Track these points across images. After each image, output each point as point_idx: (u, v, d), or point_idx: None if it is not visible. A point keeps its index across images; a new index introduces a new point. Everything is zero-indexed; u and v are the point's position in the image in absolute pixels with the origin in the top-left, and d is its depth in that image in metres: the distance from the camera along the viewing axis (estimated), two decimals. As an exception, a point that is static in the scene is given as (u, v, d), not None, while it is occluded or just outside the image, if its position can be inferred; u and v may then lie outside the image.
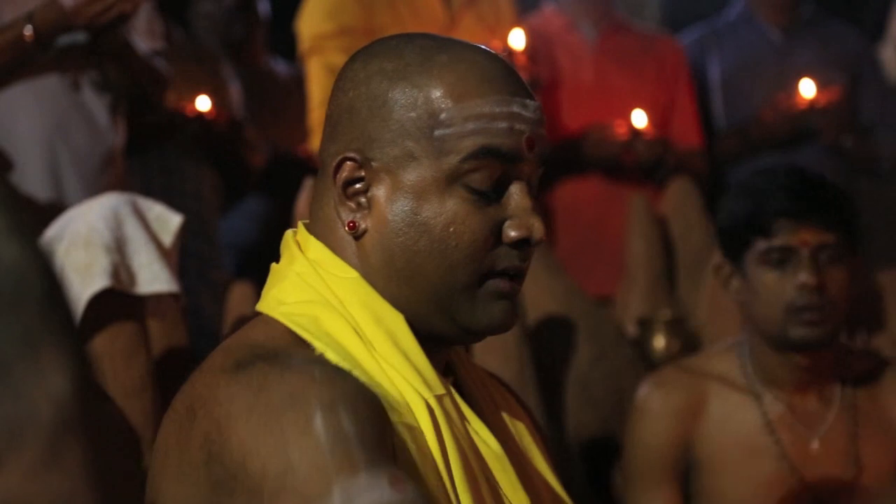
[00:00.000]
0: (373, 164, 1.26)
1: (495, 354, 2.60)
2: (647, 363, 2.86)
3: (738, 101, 3.78)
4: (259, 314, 1.29)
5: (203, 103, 3.24)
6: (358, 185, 1.27)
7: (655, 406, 2.23)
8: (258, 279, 3.04)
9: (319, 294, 1.26)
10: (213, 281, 3.21)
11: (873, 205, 3.95)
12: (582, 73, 3.61)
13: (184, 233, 2.14)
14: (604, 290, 3.36)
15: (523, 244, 1.27)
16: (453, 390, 1.28)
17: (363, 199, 1.27)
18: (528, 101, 1.28)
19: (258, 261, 3.39)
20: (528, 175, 1.28)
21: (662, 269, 3.22)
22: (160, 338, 2.10)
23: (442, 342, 1.30)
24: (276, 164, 3.47)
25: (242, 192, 3.47)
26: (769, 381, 2.20)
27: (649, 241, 3.21)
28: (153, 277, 2.03)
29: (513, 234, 1.26)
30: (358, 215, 1.27)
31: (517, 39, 3.33)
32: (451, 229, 1.25)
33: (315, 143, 3.51)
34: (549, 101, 3.54)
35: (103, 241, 1.98)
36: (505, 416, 1.37)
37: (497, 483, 1.26)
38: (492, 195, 1.26)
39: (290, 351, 1.20)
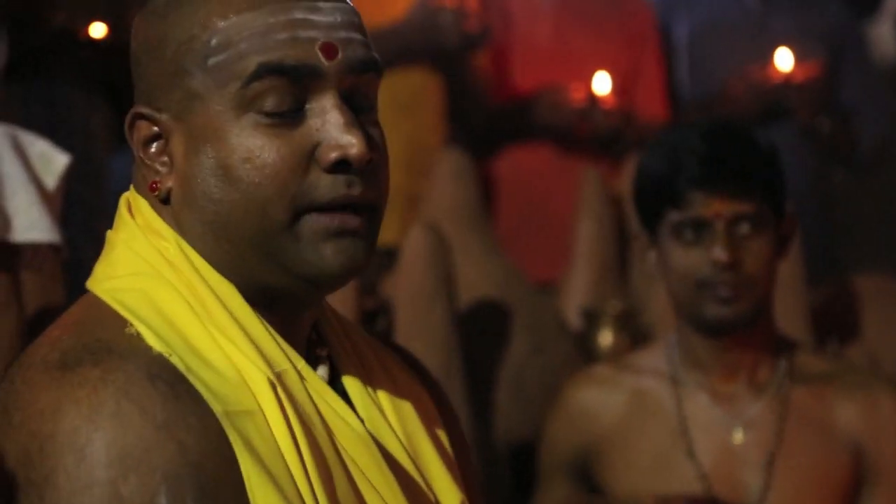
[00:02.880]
0: (162, 116, 1.26)
1: (419, 340, 2.59)
2: (590, 360, 2.86)
3: (705, 69, 3.79)
4: (87, 292, 1.29)
5: (97, 29, 3.18)
6: (156, 143, 1.27)
7: (564, 404, 2.36)
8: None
9: (149, 264, 1.26)
10: (101, 233, 3.15)
11: (849, 200, 3.98)
12: (538, 28, 3.60)
13: (70, 175, 2.11)
14: (546, 274, 3.36)
15: (344, 167, 1.23)
16: (302, 364, 1.26)
17: (165, 157, 1.27)
18: (318, 3, 1.25)
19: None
20: (333, 88, 1.24)
21: (614, 254, 3.23)
22: (35, 293, 2.08)
23: (288, 301, 1.27)
24: None
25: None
26: (694, 366, 2.26)
27: (600, 223, 3.21)
28: (31, 224, 2.01)
29: (328, 156, 1.22)
30: (161, 175, 1.27)
31: (466, -18, 3.31)
32: (248, 165, 1.22)
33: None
34: (501, 57, 3.53)
35: (-26, 177, 1.94)
36: (384, 393, 1.34)
37: (358, 467, 1.24)
38: (293, 117, 1.23)
39: (117, 344, 1.20)
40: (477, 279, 2.86)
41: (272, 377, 1.22)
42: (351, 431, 1.25)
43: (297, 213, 1.23)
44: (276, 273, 1.24)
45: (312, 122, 1.24)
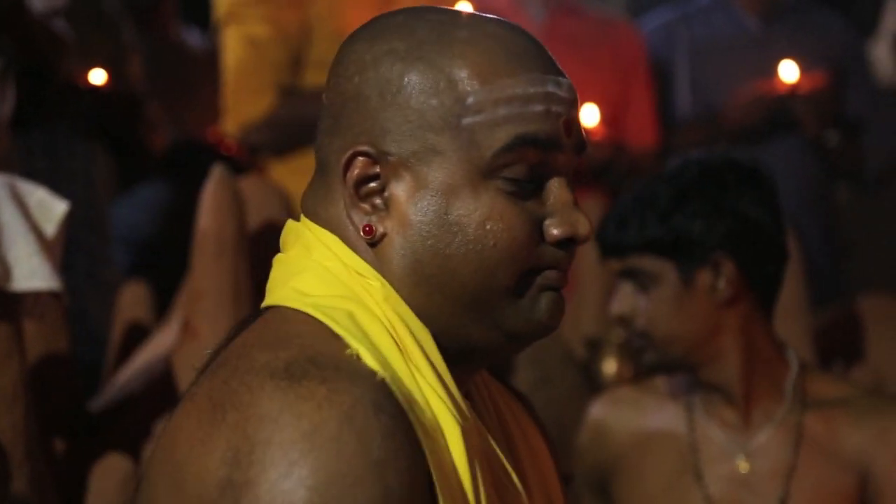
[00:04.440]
0: (389, 158, 1.25)
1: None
2: (596, 389, 2.88)
3: (707, 95, 3.80)
4: (277, 308, 1.26)
5: (98, 76, 3.22)
6: (372, 184, 1.26)
7: (587, 422, 2.40)
8: (154, 279, 3.03)
9: (352, 291, 1.25)
10: (103, 280, 3.19)
11: (854, 218, 3.98)
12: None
13: (69, 223, 2.13)
14: (550, 305, 3.37)
15: (568, 243, 1.26)
16: (480, 423, 1.27)
17: (379, 200, 1.26)
18: (561, 78, 1.28)
19: (155, 258, 3.38)
20: (566, 164, 1.27)
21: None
22: (38, 342, 2.10)
23: (478, 356, 1.28)
24: (180, 148, 3.46)
25: (139, 178, 3.45)
26: (704, 393, 2.29)
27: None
28: (31, 273, 2.02)
29: (556, 232, 1.26)
30: (374, 218, 1.25)
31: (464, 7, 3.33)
32: (488, 227, 1.23)
33: (229, 124, 3.51)
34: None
35: (-26, 228, 1.97)
36: (521, 442, 1.36)
37: None
38: (530, 188, 1.26)
39: (342, 362, 1.18)
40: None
41: (462, 424, 1.22)
42: (514, 487, 1.28)
43: (523, 279, 1.25)
44: (486, 328, 1.26)
45: (545, 197, 1.26)
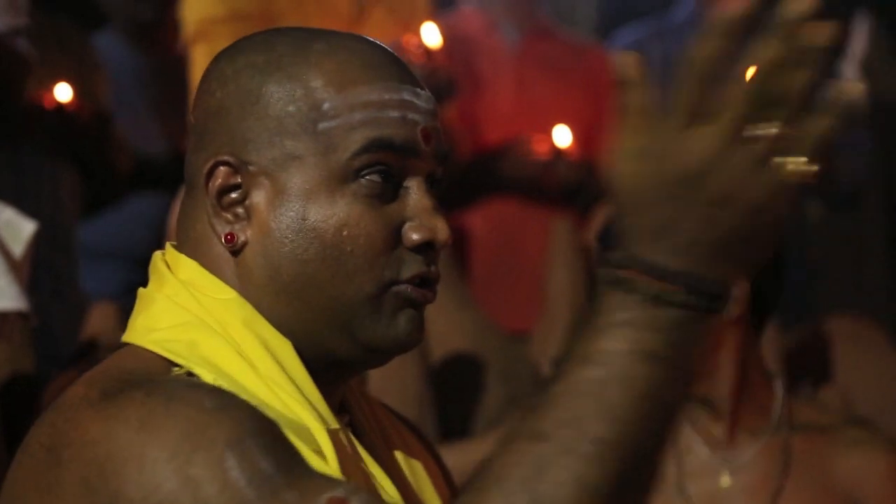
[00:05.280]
0: (249, 168, 1.27)
1: (392, 395, 2.61)
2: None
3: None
4: (125, 345, 1.28)
5: (63, 92, 3.21)
6: (234, 194, 1.28)
7: None
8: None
9: (195, 316, 1.27)
10: (69, 299, 3.19)
11: (824, 237, 4.00)
12: (502, 80, 3.64)
13: (37, 242, 2.13)
14: (520, 324, 3.39)
15: (427, 248, 1.28)
16: (348, 431, 1.28)
17: (241, 210, 1.28)
18: (419, 90, 1.30)
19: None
20: (425, 172, 1.29)
21: (586, 303, 3.25)
22: (4, 362, 2.09)
23: (341, 368, 1.30)
24: (178, 162, 3.45)
25: (106, 198, 3.45)
26: (690, 404, 2.28)
27: (572, 272, 3.25)
28: None
29: (415, 236, 1.27)
30: (236, 227, 1.28)
31: (431, 35, 3.35)
32: (345, 232, 1.25)
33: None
34: (466, 110, 3.56)
35: (-59, 247, 1.97)
36: (401, 458, 1.37)
37: None
38: (388, 192, 1.27)
39: (165, 377, 1.21)
40: (449, 332, 2.88)
41: (329, 431, 1.23)
42: (389, 497, 1.27)
43: (382, 286, 1.26)
44: (344, 341, 1.27)
45: (404, 202, 1.28)
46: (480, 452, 2.45)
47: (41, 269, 2.91)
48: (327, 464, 1.20)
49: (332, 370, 1.29)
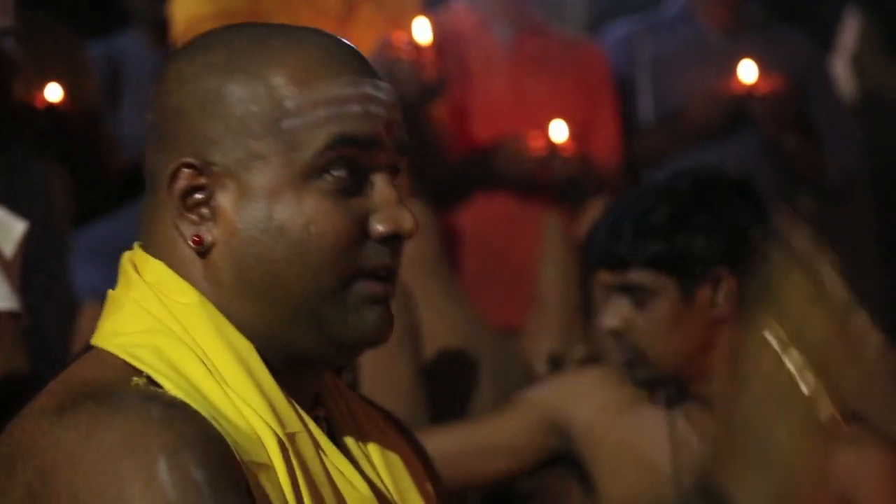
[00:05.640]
0: (213, 168, 1.28)
1: (384, 393, 2.62)
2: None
3: (669, 107, 3.83)
4: (92, 348, 1.29)
5: (54, 93, 3.21)
6: (198, 195, 1.29)
7: (566, 376, 2.50)
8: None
9: (160, 322, 1.28)
10: (61, 299, 3.19)
11: (815, 229, 4.01)
12: (494, 77, 3.64)
13: (28, 242, 2.12)
14: (511, 321, 3.39)
15: (392, 239, 1.29)
16: (313, 426, 1.29)
17: (206, 210, 1.29)
18: (378, 82, 1.31)
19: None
20: (389, 164, 1.31)
21: (578, 299, 3.26)
22: (-4, 362, 2.09)
23: (310, 364, 1.31)
24: None
25: (100, 199, 3.45)
26: (686, 401, 2.31)
27: (564, 268, 3.25)
28: None
29: (381, 228, 1.28)
30: (202, 228, 1.28)
31: (422, 30, 3.35)
32: (312, 229, 1.26)
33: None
34: (459, 108, 3.57)
35: (-68, 248, 1.97)
36: (375, 450, 1.38)
37: None
38: (353, 186, 1.29)
39: (121, 387, 1.22)
40: (441, 330, 2.89)
41: (283, 437, 1.24)
42: (357, 494, 1.29)
43: (346, 280, 1.28)
44: (311, 336, 1.28)
45: (368, 194, 1.29)
46: (471, 436, 2.47)
47: (33, 269, 2.91)
48: (269, 475, 1.22)
49: (302, 367, 1.30)
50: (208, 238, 1.28)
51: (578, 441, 2.36)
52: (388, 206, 1.29)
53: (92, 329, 2.78)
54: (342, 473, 1.29)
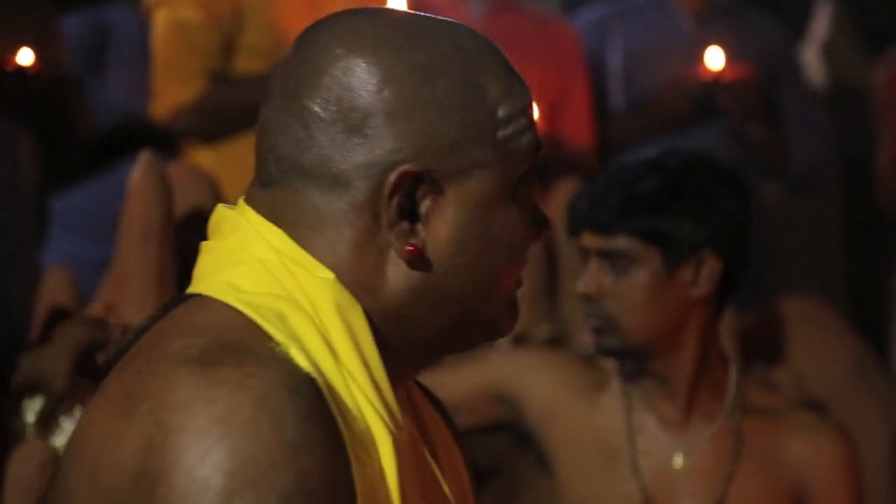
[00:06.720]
0: (432, 175, 1.24)
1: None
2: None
3: (639, 90, 3.85)
4: (200, 297, 1.24)
5: (25, 57, 3.20)
6: (416, 202, 1.25)
7: (530, 353, 2.48)
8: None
9: (285, 289, 1.23)
10: (25, 263, 3.18)
11: (780, 218, 4.03)
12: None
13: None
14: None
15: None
16: (414, 429, 1.27)
17: (416, 217, 1.25)
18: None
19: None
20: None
21: (543, 278, 3.27)
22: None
23: (438, 361, 1.32)
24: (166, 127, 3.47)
25: (67, 164, 3.44)
26: (641, 387, 2.32)
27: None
28: None
29: (539, 229, 1.29)
30: (413, 238, 1.24)
31: (397, 5, 3.35)
32: (515, 238, 1.26)
33: (158, 108, 3.51)
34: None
35: None
36: (442, 450, 1.35)
37: None
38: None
39: (260, 350, 1.18)
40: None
41: (397, 435, 1.22)
42: (441, 494, 1.29)
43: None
44: (476, 336, 1.29)
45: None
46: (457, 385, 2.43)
47: (-3, 232, 2.90)
48: (373, 472, 1.20)
49: (413, 369, 1.29)
50: (419, 246, 1.24)
51: (532, 419, 2.38)
52: (536, 207, 1.29)
53: (57, 293, 2.79)
54: (434, 476, 1.29)
